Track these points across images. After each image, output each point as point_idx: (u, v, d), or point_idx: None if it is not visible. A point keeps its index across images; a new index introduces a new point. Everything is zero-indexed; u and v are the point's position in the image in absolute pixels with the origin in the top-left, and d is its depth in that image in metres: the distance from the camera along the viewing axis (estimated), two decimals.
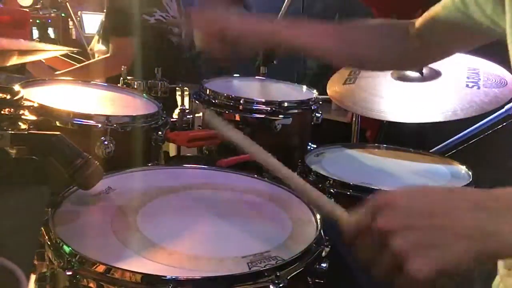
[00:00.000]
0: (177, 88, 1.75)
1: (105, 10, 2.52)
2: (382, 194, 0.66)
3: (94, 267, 0.72)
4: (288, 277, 0.73)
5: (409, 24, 1.06)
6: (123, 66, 1.73)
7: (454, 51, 1.15)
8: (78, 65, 2.55)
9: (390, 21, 1.12)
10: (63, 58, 2.52)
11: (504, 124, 1.92)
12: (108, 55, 2.42)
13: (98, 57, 2.65)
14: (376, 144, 1.62)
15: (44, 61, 2.38)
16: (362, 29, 1.10)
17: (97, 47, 2.73)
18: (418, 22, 1.05)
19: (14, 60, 1.19)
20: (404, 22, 1.08)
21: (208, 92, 1.55)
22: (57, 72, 2.43)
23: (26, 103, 1.14)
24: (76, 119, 1.17)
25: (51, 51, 1.49)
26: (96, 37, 2.76)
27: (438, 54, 1.12)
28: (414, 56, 1.10)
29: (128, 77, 1.67)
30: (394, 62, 1.14)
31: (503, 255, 0.63)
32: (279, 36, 1.04)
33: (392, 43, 1.07)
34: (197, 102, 1.58)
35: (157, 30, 2.50)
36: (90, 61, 2.53)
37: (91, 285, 0.72)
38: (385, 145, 1.60)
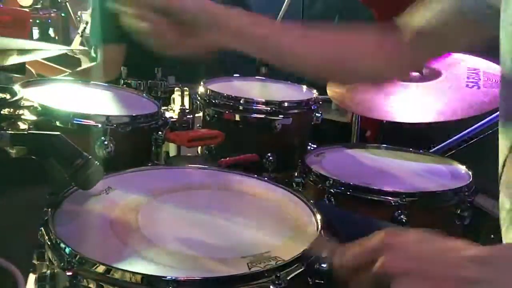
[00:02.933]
0: (176, 88, 1.74)
1: (89, 12, 2.49)
2: (390, 230, 0.63)
3: (94, 267, 0.72)
4: (289, 278, 0.73)
5: (401, 33, 1.00)
6: (122, 67, 1.74)
7: (447, 51, 1.12)
8: (67, 72, 2.54)
9: (379, 31, 1.03)
10: (47, 63, 2.50)
11: None
12: (98, 62, 2.39)
13: (80, 57, 2.65)
14: (376, 144, 1.62)
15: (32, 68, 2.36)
16: (352, 37, 1.01)
17: (79, 47, 2.73)
18: (412, 27, 0.98)
19: (14, 59, 1.19)
20: (395, 30, 1.00)
21: (208, 92, 1.55)
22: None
23: (26, 103, 1.15)
24: (76, 119, 1.17)
25: (52, 51, 1.49)
26: (79, 38, 2.75)
27: (430, 57, 1.08)
28: (405, 64, 1.04)
29: (128, 77, 1.68)
30: (384, 74, 1.06)
31: None
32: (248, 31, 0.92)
33: (383, 56, 1.00)
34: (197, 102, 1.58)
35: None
36: (80, 68, 2.52)
37: (91, 285, 0.72)
38: (385, 145, 1.60)
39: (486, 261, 0.57)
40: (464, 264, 0.57)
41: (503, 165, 0.84)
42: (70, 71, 2.54)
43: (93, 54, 2.58)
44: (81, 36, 2.72)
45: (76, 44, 2.85)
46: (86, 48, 2.72)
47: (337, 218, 1.01)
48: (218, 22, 0.91)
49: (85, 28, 2.64)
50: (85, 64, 2.65)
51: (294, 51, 0.98)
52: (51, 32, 4.14)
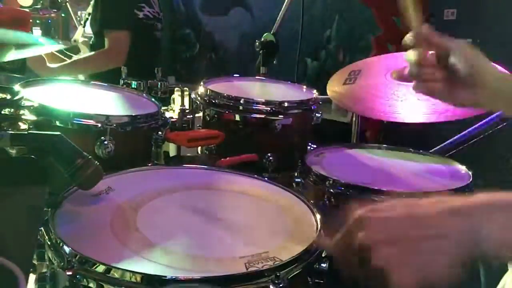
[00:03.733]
0: (176, 88, 1.75)
1: (92, 2, 2.53)
2: (360, 208, 0.66)
3: (94, 267, 0.72)
4: (288, 277, 0.73)
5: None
6: (122, 66, 1.74)
7: None
8: (76, 58, 2.57)
9: None
10: (56, 53, 2.54)
11: (504, 124, 1.92)
12: (105, 48, 2.43)
13: (82, 49, 2.67)
14: (376, 144, 1.62)
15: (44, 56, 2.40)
16: None
17: (81, 39, 2.75)
18: None
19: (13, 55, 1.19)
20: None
21: (208, 92, 1.55)
22: (54, 65, 2.45)
23: (26, 103, 1.15)
24: (76, 119, 1.17)
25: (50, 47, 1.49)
26: (81, 29, 2.77)
27: None
28: None
29: (128, 77, 1.68)
30: None
31: (489, 257, 0.62)
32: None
33: None
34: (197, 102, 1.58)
35: (144, 26, 2.55)
36: (87, 54, 2.55)
37: (91, 285, 0.72)
38: (385, 145, 1.60)
39: (452, 212, 0.61)
40: (427, 222, 0.61)
41: None
42: (76, 58, 2.56)
43: (91, 46, 2.60)
44: (83, 26, 2.72)
45: (78, 35, 2.86)
46: (86, 39, 2.73)
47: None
48: (476, 82, 0.94)
49: (87, 18, 2.65)
50: (75, 57, 2.66)
51: None
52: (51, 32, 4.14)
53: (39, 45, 1.21)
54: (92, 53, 2.51)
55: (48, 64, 2.45)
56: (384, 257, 0.59)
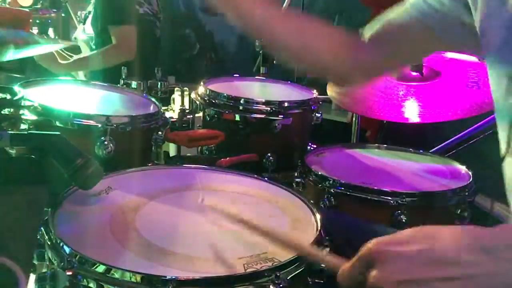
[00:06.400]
0: (176, 88, 1.75)
1: (93, 0, 2.54)
2: (376, 241, 0.57)
3: (94, 267, 0.72)
4: (288, 277, 0.73)
5: (361, 34, 1.03)
6: (122, 67, 1.74)
7: (406, 60, 1.14)
8: (84, 55, 2.58)
9: (342, 30, 1.06)
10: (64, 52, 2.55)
11: None
12: (114, 44, 2.43)
13: (82, 47, 2.68)
14: (376, 144, 1.62)
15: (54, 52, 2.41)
16: (318, 28, 1.05)
17: (81, 37, 2.75)
18: (372, 31, 1.02)
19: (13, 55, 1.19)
20: (356, 32, 1.05)
21: (208, 92, 1.55)
22: (64, 62, 2.45)
23: (26, 103, 1.15)
24: (76, 119, 1.17)
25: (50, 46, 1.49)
26: (82, 27, 2.77)
27: (389, 64, 1.08)
28: (365, 68, 1.06)
29: (128, 77, 1.68)
30: (343, 71, 1.08)
31: None
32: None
33: (344, 52, 1.03)
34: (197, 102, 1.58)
35: (144, 21, 2.55)
36: (97, 51, 2.55)
37: (91, 285, 0.72)
38: (385, 145, 1.60)
39: (483, 249, 0.52)
40: (451, 259, 0.52)
41: None
42: (86, 54, 2.57)
43: (92, 45, 2.60)
44: (84, 24, 2.72)
45: (78, 33, 2.86)
46: (86, 38, 2.74)
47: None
48: None
49: (87, 16, 2.65)
50: (86, 53, 2.66)
51: (274, 28, 1.02)
52: (50, 32, 4.14)
53: (40, 44, 1.21)
54: (103, 48, 2.50)
55: (59, 61, 2.46)
56: None
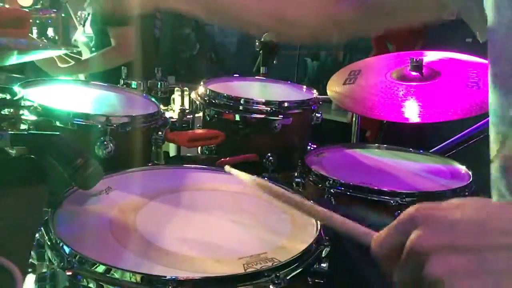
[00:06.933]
0: (176, 88, 1.75)
1: (88, 1, 2.54)
2: (418, 205, 0.51)
3: (94, 267, 0.72)
4: (288, 277, 0.73)
5: None
6: (122, 67, 1.74)
7: (394, 23, 1.01)
8: (86, 57, 2.58)
9: None
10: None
11: None
12: (113, 45, 2.44)
13: (82, 49, 2.68)
14: (376, 144, 1.62)
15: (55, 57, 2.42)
16: None
17: (81, 39, 2.76)
18: None
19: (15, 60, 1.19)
20: None
21: (208, 92, 1.55)
22: (64, 65, 2.46)
23: (26, 103, 1.15)
24: (76, 119, 1.17)
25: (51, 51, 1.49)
26: (81, 29, 2.78)
27: (377, 23, 0.99)
28: (347, 23, 0.97)
29: (128, 77, 1.68)
30: (323, 28, 0.98)
31: None
32: None
33: (322, 4, 0.95)
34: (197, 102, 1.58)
35: (143, 22, 2.56)
36: (96, 54, 2.55)
37: (91, 285, 0.72)
38: (385, 145, 1.60)
39: None
40: (506, 228, 0.46)
41: None
42: (85, 57, 2.57)
43: (91, 46, 2.60)
44: (83, 26, 2.73)
45: (78, 35, 2.87)
46: (86, 39, 2.74)
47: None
48: None
49: (86, 18, 2.65)
50: (86, 54, 2.67)
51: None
52: (50, 32, 4.14)
53: (42, 50, 1.22)
54: (102, 50, 2.51)
55: (59, 65, 2.46)
56: (446, 267, 0.46)
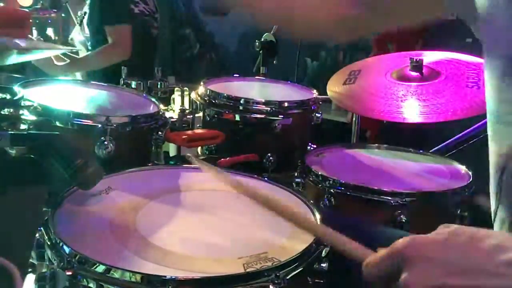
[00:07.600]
0: (176, 88, 1.75)
1: (88, 1, 2.55)
2: (411, 240, 0.55)
3: (94, 267, 0.72)
4: (288, 277, 0.73)
5: None
6: (122, 67, 1.74)
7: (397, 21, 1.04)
8: (81, 56, 2.58)
9: None
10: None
11: None
12: (110, 43, 2.44)
13: (79, 47, 2.69)
14: (376, 144, 1.62)
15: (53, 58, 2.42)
16: None
17: (78, 37, 2.76)
18: None
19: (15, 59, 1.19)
20: None
21: (208, 92, 1.55)
22: (61, 63, 2.46)
23: (26, 103, 1.15)
24: (76, 119, 1.17)
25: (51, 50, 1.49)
26: (78, 28, 2.78)
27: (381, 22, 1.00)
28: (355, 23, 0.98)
29: (128, 77, 1.68)
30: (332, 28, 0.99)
31: None
32: None
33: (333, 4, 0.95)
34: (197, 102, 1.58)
35: (140, 21, 2.56)
36: (92, 51, 2.56)
37: (91, 285, 0.72)
38: (385, 145, 1.60)
39: None
40: (496, 271, 0.49)
41: None
42: (83, 55, 2.58)
43: (88, 46, 2.61)
44: (80, 24, 2.73)
45: (75, 34, 2.87)
46: (82, 38, 2.74)
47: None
48: None
49: (83, 17, 2.65)
50: (83, 53, 2.67)
51: None
52: (50, 32, 4.14)
53: (42, 50, 1.22)
54: (99, 48, 2.51)
55: (55, 63, 2.47)
56: None
